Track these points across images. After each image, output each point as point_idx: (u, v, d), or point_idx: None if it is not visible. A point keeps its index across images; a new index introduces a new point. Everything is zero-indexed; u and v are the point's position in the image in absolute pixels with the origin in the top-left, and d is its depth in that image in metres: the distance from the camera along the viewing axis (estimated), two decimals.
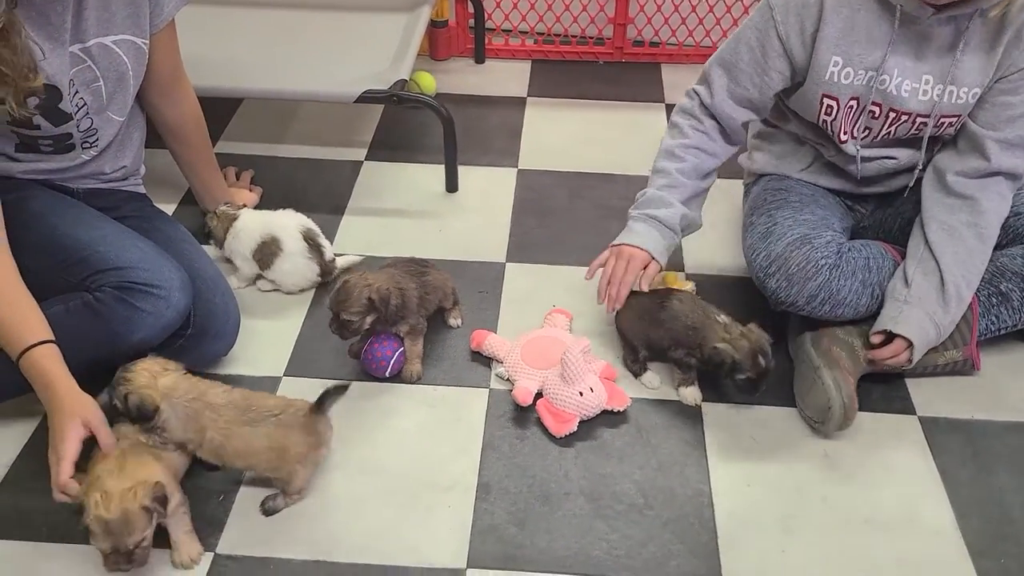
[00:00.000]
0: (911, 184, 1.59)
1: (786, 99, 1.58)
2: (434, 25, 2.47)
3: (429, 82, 2.34)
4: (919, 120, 1.48)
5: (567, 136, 2.25)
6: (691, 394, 1.54)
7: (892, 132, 1.52)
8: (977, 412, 1.53)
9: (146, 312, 1.38)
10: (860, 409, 1.48)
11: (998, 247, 1.51)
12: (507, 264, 1.83)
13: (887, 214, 1.67)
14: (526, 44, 2.60)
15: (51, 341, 1.28)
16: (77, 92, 1.47)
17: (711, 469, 1.43)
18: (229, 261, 1.75)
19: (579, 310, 1.70)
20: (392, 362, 1.53)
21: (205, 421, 1.27)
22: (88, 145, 1.55)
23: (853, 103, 1.49)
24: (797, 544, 1.32)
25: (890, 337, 1.46)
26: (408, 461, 1.42)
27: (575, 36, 2.61)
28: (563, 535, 1.32)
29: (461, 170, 2.05)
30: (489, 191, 2.05)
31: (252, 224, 1.73)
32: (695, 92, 1.60)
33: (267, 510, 1.33)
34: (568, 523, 1.34)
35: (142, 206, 1.69)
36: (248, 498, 1.36)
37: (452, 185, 2.04)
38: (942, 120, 1.48)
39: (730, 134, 1.59)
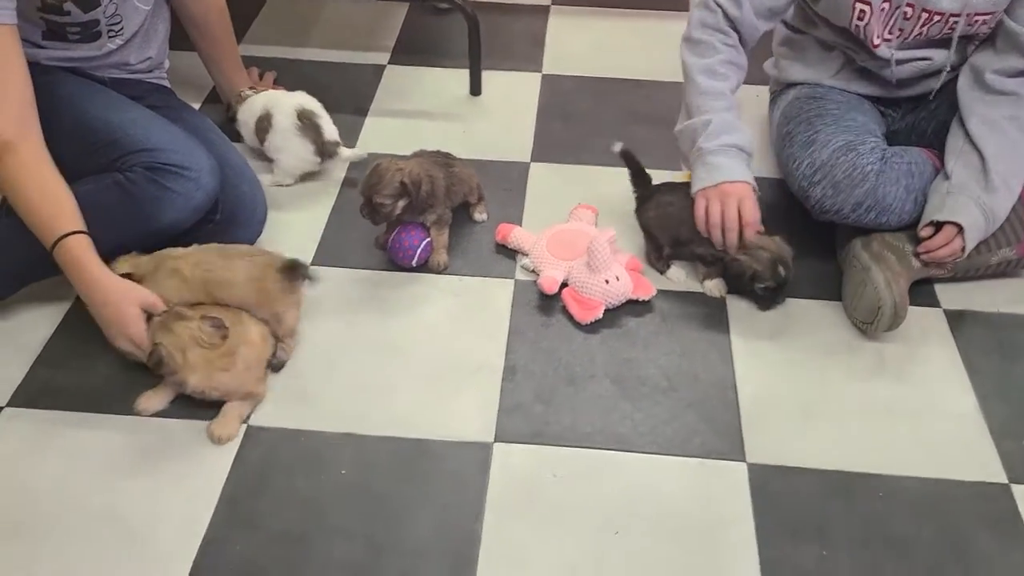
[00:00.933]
0: (941, 85, 1.57)
1: (814, 5, 1.55)
2: None
3: None
4: (952, 19, 1.45)
5: (591, 43, 2.23)
6: (716, 286, 1.54)
7: (924, 32, 1.49)
8: (1002, 305, 1.53)
9: (176, 193, 1.39)
10: None
11: None
12: (532, 164, 1.83)
13: (920, 117, 1.65)
14: None
15: (84, 232, 1.29)
16: None
17: (735, 357, 1.44)
18: (263, 158, 1.76)
19: (603, 207, 1.69)
20: (419, 251, 1.54)
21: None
22: (113, 33, 1.54)
23: (885, 5, 1.46)
24: (818, 427, 1.33)
25: (939, 228, 1.45)
26: (435, 346, 1.44)
27: None
28: (588, 413, 1.34)
29: (484, 75, 2.03)
30: (513, 95, 2.03)
31: (258, 101, 1.74)
32: (717, 4, 1.51)
33: (274, 366, 1.37)
34: (593, 403, 1.36)
35: (167, 98, 1.69)
36: (282, 375, 1.38)
37: (476, 88, 2.02)
38: (975, 18, 1.45)
39: (747, 46, 1.55)
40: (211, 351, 1.26)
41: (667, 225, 1.55)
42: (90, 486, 1.23)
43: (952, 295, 1.55)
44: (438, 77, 2.08)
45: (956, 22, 1.46)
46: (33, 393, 1.35)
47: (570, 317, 1.49)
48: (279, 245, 1.60)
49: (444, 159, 1.60)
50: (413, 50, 2.18)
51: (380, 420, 1.32)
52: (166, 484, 1.23)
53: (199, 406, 1.31)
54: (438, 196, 1.52)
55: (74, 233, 1.28)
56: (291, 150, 1.70)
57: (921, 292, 1.55)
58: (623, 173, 1.64)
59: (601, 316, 1.48)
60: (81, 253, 1.28)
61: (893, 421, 1.34)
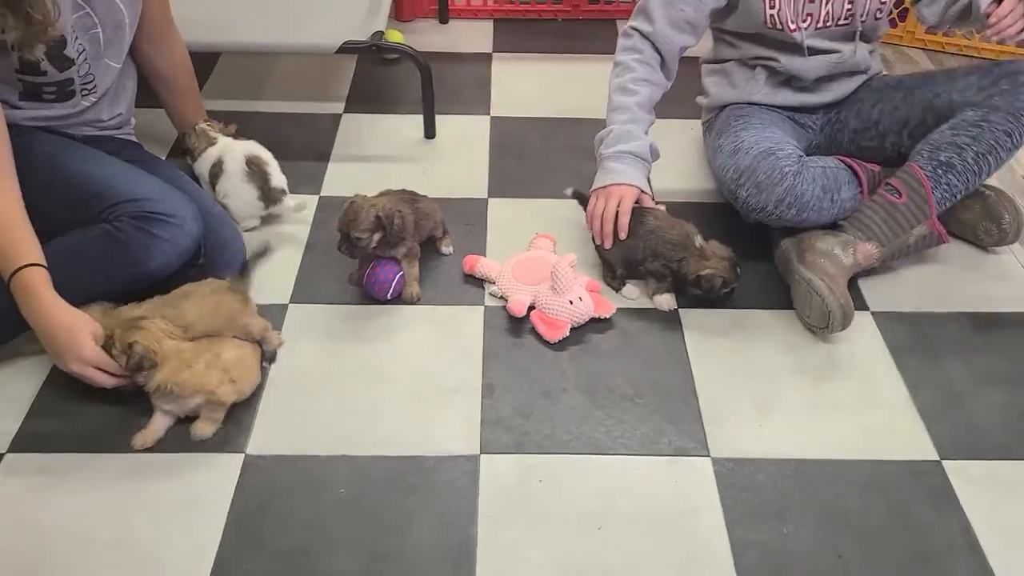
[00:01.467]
0: (854, 89, 1.81)
1: (724, 21, 1.75)
2: None
3: (398, 38, 2.44)
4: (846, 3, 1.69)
5: (533, 86, 2.38)
6: (666, 301, 1.68)
7: (830, 13, 1.70)
8: (924, 306, 1.70)
9: (163, 239, 1.46)
10: None
11: (925, 132, 1.71)
12: (489, 199, 1.95)
13: (835, 129, 1.86)
14: (487, 4, 2.71)
15: (42, 265, 1.35)
16: (77, 38, 1.54)
17: (692, 364, 1.57)
18: None
19: (560, 235, 1.82)
20: (393, 284, 1.64)
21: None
22: (87, 91, 1.62)
23: None
24: (771, 420, 1.47)
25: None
26: (416, 370, 1.54)
27: None
28: (564, 423, 1.45)
29: (437, 119, 2.16)
30: (465, 137, 2.17)
31: (213, 151, 1.83)
32: (632, 29, 1.73)
33: (268, 359, 1.50)
34: (568, 413, 1.47)
35: (139, 152, 1.76)
36: (272, 405, 1.46)
37: (430, 132, 2.15)
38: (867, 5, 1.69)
39: (667, 64, 1.74)
40: (181, 345, 1.36)
41: (617, 247, 1.68)
42: (97, 521, 1.28)
43: (878, 298, 1.71)
44: (393, 123, 2.20)
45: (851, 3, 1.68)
46: (31, 440, 1.39)
47: (539, 337, 1.60)
48: (258, 285, 1.68)
49: (410, 196, 1.72)
50: (366, 99, 2.30)
51: (371, 441, 1.41)
52: (172, 514, 1.29)
53: (197, 440, 1.38)
54: (408, 230, 1.63)
55: (31, 265, 1.35)
56: (238, 195, 1.79)
57: (851, 297, 1.71)
58: (574, 204, 1.78)
59: (568, 334, 1.60)
60: (37, 284, 1.34)
61: (837, 413, 1.49)
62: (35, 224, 1.48)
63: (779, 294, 1.71)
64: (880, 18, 1.76)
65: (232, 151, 1.81)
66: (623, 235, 1.65)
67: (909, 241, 1.70)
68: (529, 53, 2.54)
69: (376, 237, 1.57)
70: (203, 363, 1.37)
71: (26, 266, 1.34)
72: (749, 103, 1.82)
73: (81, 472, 1.34)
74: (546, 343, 1.59)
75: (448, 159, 2.08)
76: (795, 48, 1.75)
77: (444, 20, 2.68)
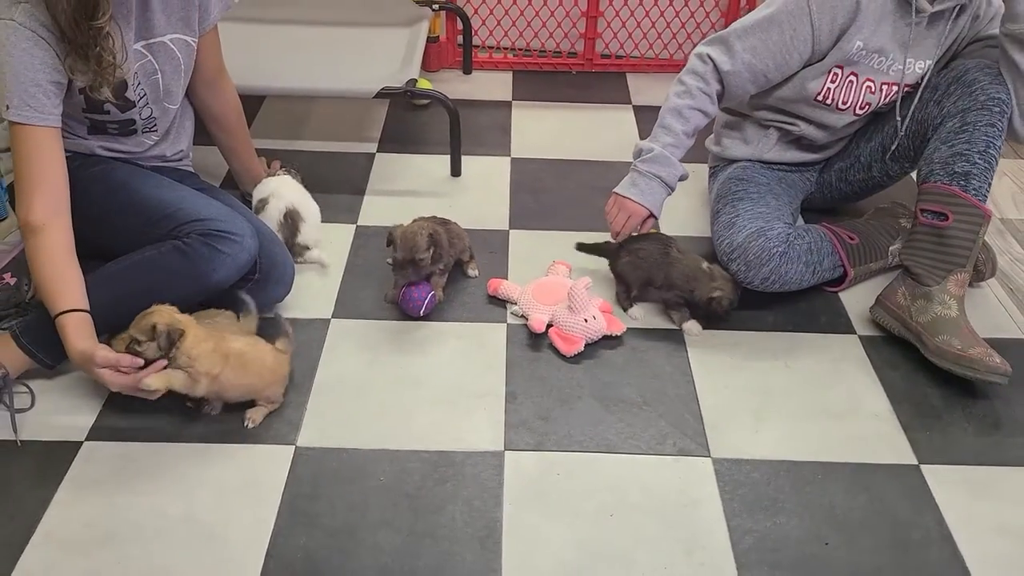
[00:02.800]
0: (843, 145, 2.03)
1: (769, 92, 1.91)
2: (427, 40, 2.80)
3: (427, 86, 2.65)
4: (907, 89, 1.87)
5: (550, 132, 2.59)
6: (694, 327, 1.84)
7: (890, 103, 1.88)
8: (903, 331, 1.87)
9: (226, 254, 1.64)
10: (809, 331, 1.86)
11: (905, 151, 1.91)
12: (511, 231, 2.14)
13: (832, 173, 2.07)
14: (508, 57, 2.94)
15: (83, 310, 1.51)
16: (140, 83, 1.74)
17: (695, 377, 1.74)
18: None
19: (574, 262, 2.01)
20: (426, 302, 1.82)
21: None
22: (148, 130, 1.82)
23: (853, 77, 1.83)
24: (767, 428, 1.64)
25: None
26: (445, 377, 1.71)
27: (550, 50, 2.96)
28: (580, 426, 1.62)
29: (462, 159, 2.36)
30: (488, 175, 2.37)
31: (270, 184, 2.02)
32: (709, 57, 1.82)
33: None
34: (583, 417, 1.64)
35: (197, 181, 1.96)
36: (319, 406, 1.63)
37: (456, 170, 2.35)
38: (906, 87, 1.87)
39: (724, 100, 1.87)
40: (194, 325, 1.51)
41: (640, 267, 1.86)
42: (167, 498, 1.44)
43: (864, 324, 1.89)
44: (422, 161, 2.41)
45: (909, 92, 1.87)
46: (107, 431, 1.56)
47: (556, 351, 1.78)
48: (303, 302, 1.86)
49: (441, 220, 1.91)
50: (397, 140, 2.51)
51: (407, 437, 1.58)
52: (233, 495, 1.46)
53: (253, 433, 1.55)
54: (444, 247, 1.82)
55: (70, 311, 1.50)
56: None
57: (839, 324, 1.89)
58: (587, 235, 1.99)
59: (583, 349, 1.77)
60: (71, 326, 1.49)
61: (825, 421, 1.65)
62: (112, 242, 1.68)
63: (774, 316, 1.88)
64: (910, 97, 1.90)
65: (279, 198, 1.98)
66: (615, 240, 1.89)
67: (890, 262, 1.89)
68: (546, 102, 2.75)
69: (430, 254, 1.77)
70: (211, 344, 1.51)
71: (65, 312, 1.50)
72: (757, 161, 2.01)
73: (152, 458, 1.51)
74: (563, 357, 1.77)
75: (473, 194, 2.28)
76: (826, 123, 1.92)
77: (468, 71, 2.91)
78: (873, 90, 1.85)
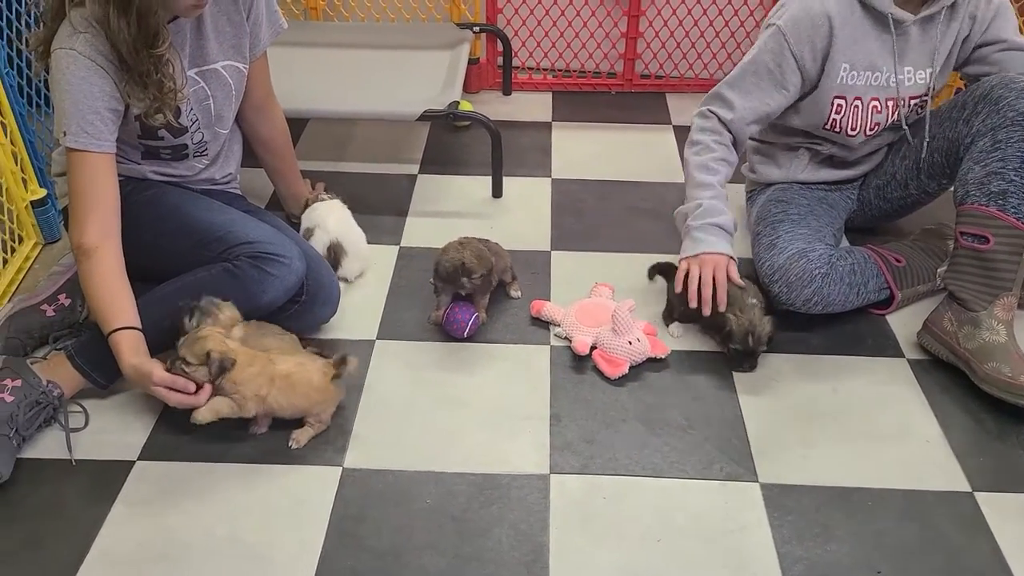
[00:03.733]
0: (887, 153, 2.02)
1: (789, 117, 1.93)
2: (468, 62, 2.83)
3: (468, 108, 2.68)
4: (912, 101, 1.88)
5: (590, 152, 2.59)
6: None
7: (898, 117, 1.88)
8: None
9: (275, 276, 1.67)
10: (856, 354, 1.83)
11: (939, 168, 1.89)
12: (552, 252, 2.15)
13: (862, 192, 2.05)
14: (547, 78, 2.96)
15: (135, 328, 1.54)
16: (192, 109, 1.77)
17: (741, 401, 1.72)
18: None
19: (617, 285, 2.01)
20: (470, 324, 1.83)
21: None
22: (199, 154, 1.85)
23: (858, 102, 1.85)
24: (815, 453, 1.61)
25: None
26: (491, 399, 1.71)
27: (590, 71, 2.98)
28: (625, 449, 1.61)
29: (504, 180, 2.37)
30: (529, 196, 2.38)
31: (319, 210, 2.05)
32: (711, 112, 1.88)
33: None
34: (628, 441, 1.63)
35: (245, 203, 1.99)
36: (364, 428, 1.64)
37: (498, 191, 2.36)
38: (924, 98, 1.87)
39: (738, 146, 1.91)
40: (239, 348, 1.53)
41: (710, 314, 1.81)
42: (215, 520, 1.46)
43: (912, 347, 1.86)
44: (463, 183, 2.43)
45: (919, 103, 1.88)
46: (158, 449, 1.59)
47: (600, 374, 1.77)
48: (347, 323, 1.88)
49: (484, 241, 1.92)
50: (439, 161, 2.53)
51: (452, 460, 1.58)
52: (280, 517, 1.47)
53: (300, 454, 1.57)
54: (495, 265, 1.85)
55: (123, 329, 1.53)
56: None
57: (887, 347, 1.86)
58: (630, 257, 2.02)
59: (627, 372, 1.76)
60: (123, 343, 1.52)
61: (875, 446, 1.63)
62: (164, 265, 1.71)
63: (819, 339, 1.86)
64: (923, 108, 1.90)
65: (324, 229, 2.01)
66: (721, 307, 1.76)
67: (937, 284, 1.87)
68: (585, 122, 2.76)
69: (485, 272, 1.80)
70: (257, 367, 1.54)
71: (117, 330, 1.53)
72: (792, 183, 2.01)
73: (202, 478, 1.53)
74: (607, 379, 1.76)
75: (514, 215, 2.29)
76: (847, 143, 1.93)
77: (508, 92, 2.93)
78: (879, 109, 1.86)
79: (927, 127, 1.87)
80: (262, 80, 1.95)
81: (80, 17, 1.53)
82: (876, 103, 1.85)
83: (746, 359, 1.77)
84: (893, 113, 1.88)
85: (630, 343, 1.77)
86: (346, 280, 2.01)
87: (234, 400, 1.53)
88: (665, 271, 1.95)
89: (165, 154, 1.81)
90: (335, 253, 1.99)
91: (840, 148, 1.96)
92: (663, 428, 1.66)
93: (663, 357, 1.80)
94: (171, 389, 1.49)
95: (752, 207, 2.07)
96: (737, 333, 1.75)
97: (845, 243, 2.11)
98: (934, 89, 1.87)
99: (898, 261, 1.91)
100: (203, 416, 1.52)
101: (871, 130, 1.89)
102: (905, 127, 1.90)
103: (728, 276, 1.78)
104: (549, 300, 1.96)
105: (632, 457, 1.59)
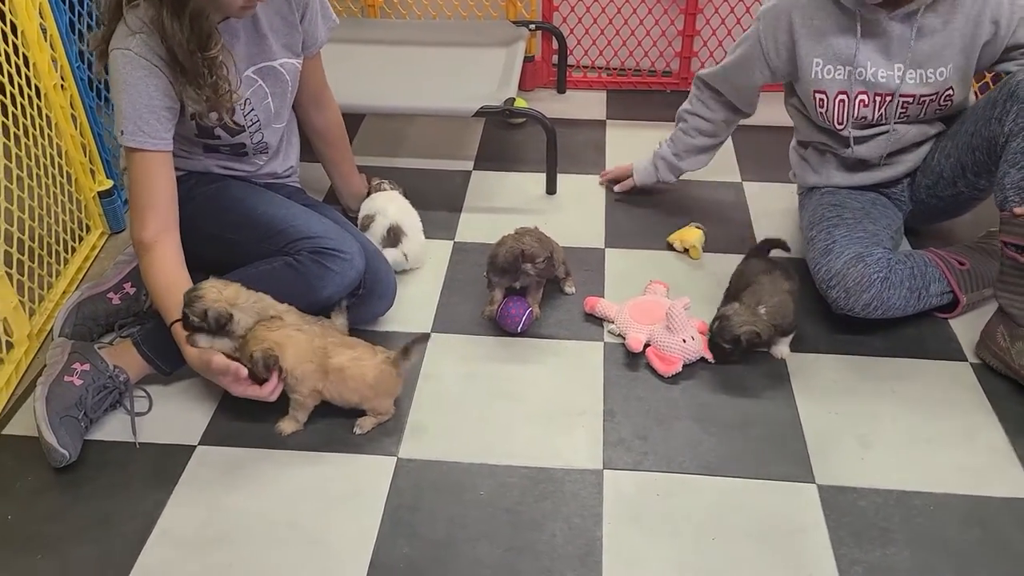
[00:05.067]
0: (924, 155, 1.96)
1: (793, 97, 1.98)
2: (523, 60, 2.83)
3: (523, 105, 2.68)
4: (901, 99, 1.83)
5: (644, 150, 2.55)
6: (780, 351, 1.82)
7: (884, 114, 1.86)
8: (1020, 359, 1.80)
9: (335, 271, 1.69)
10: (918, 357, 1.80)
11: (981, 166, 1.82)
12: (606, 249, 2.15)
13: (913, 191, 2.00)
14: (602, 76, 2.95)
15: None
16: (252, 109, 1.78)
17: (797, 401, 1.70)
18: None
19: (673, 282, 2.00)
20: (524, 319, 1.83)
21: (272, 311, 1.61)
22: (259, 152, 1.88)
23: (843, 96, 1.85)
24: (874, 455, 1.59)
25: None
26: (544, 394, 1.72)
27: (645, 69, 2.96)
28: (678, 447, 1.60)
29: (557, 177, 2.37)
30: (583, 193, 2.37)
31: (378, 200, 2.08)
32: (698, 75, 2.13)
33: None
34: (681, 438, 1.62)
35: (305, 197, 2.02)
36: (419, 419, 1.66)
37: (552, 188, 2.36)
38: (923, 99, 1.84)
39: (723, 103, 2.09)
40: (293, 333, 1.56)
41: (739, 277, 1.85)
42: (274, 505, 1.49)
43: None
44: (517, 179, 2.43)
45: (907, 103, 1.83)
46: (218, 434, 1.63)
47: (653, 371, 1.77)
48: (403, 316, 1.90)
49: (538, 232, 1.92)
50: (493, 158, 2.54)
51: (506, 453, 1.59)
52: (337, 503, 1.49)
53: (356, 442, 1.59)
54: (555, 257, 1.88)
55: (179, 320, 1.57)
56: None
57: (950, 351, 1.82)
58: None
59: (680, 370, 1.75)
60: (180, 335, 1.57)
61: (936, 450, 1.60)
62: (227, 257, 1.75)
63: (880, 341, 1.83)
64: (940, 108, 1.87)
65: (384, 214, 2.04)
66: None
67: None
68: (640, 121, 2.75)
69: (546, 259, 1.83)
70: (313, 364, 1.56)
71: (177, 320, 1.58)
72: (836, 187, 1.98)
73: (260, 463, 1.56)
74: (660, 377, 1.75)
75: (568, 212, 2.29)
76: (844, 141, 1.92)
77: (562, 90, 2.93)
78: (866, 103, 1.86)
79: (961, 123, 1.86)
80: (317, 72, 1.97)
81: (135, 18, 1.56)
82: (864, 97, 1.85)
83: (719, 354, 1.76)
84: (882, 108, 1.86)
85: (684, 341, 1.76)
86: (405, 260, 2.01)
87: (296, 401, 1.57)
88: (778, 245, 1.95)
89: (224, 150, 1.84)
90: (395, 235, 2.01)
91: (847, 150, 1.94)
92: (717, 427, 1.64)
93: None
94: (236, 378, 1.52)
95: (803, 211, 2.04)
96: (717, 328, 1.74)
97: (906, 246, 2.07)
98: (949, 92, 1.83)
99: (961, 264, 1.87)
100: (285, 428, 1.60)
101: (856, 124, 1.88)
102: (893, 126, 1.87)
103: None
104: (603, 297, 1.96)
105: (685, 455, 1.59)
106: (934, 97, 1.85)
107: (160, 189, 1.63)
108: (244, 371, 1.52)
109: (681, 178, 2.38)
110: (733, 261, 1.99)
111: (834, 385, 1.74)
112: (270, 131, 1.86)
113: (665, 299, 1.91)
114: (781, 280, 1.79)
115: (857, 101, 1.85)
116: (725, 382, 1.75)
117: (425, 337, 1.63)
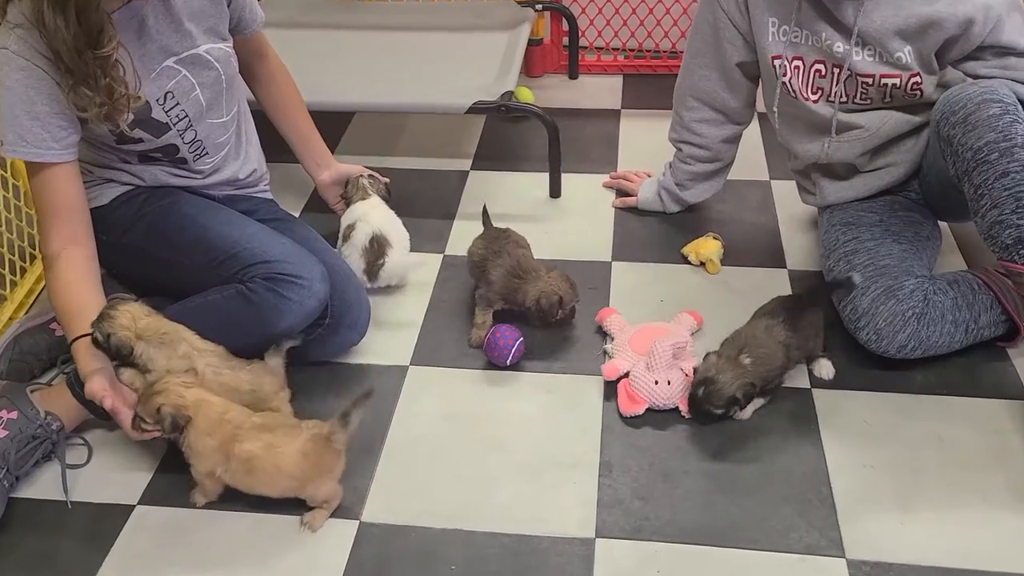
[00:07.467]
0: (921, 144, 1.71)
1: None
2: (530, 43, 2.58)
3: (527, 96, 2.45)
4: (861, 80, 1.61)
5: (661, 145, 2.30)
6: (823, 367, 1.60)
7: (843, 91, 1.65)
8: None
9: (292, 301, 1.49)
10: (968, 395, 1.56)
11: None
12: (613, 263, 1.91)
13: (934, 197, 1.74)
14: (618, 59, 2.70)
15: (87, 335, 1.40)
16: (177, 104, 1.54)
17: (826, 450, 1.47)
18: None
19: (687, 302, 1.77)
20: (514, 350, 1.62)
21: (186, 350, 1.41)
22: (199, 154, 1.64)
23: (799, 62, 1.67)
24: (915, 520, 1.35)
25: None
26: (533, 441, 1.51)
27: (665, 51, 2.70)
28: (686, 509, 1.38)
29: (563, 177, 2.14)
30: (591, 196, 2.14)
31: (359, 209, 1.84)
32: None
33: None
34: (690, 498, 1.40)
35: (275, 210, 1.82)
36: (389, 471, 1.46)
37: (556, 191, 2.13)
38: (884, 81, 1.60)
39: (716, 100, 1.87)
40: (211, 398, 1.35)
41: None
42: None
43: None
44: (518, 180, 2.20)
45: (867, 83, 1.61)
46: (160, 492, 1.44)
47: (649, 410, 1.54)
48: (379, 346, 1.70)
49: (503, 231, 1.78)
50: (493, 156, 2.31)
51: (484, 515, 1.38)
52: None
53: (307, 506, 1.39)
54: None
55: (85, 336, 1.40)
56: (352, 262, 1.78)
57: (1006, 387, 1.57)
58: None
59: (641, 413, 1.53)
60: (81, 354, 1.41)
61: (991, 514, 1.36)
62: (177, 281, 1.57)
63: (923, 375, 1.59)
64: (908, 95, 1.63)
65: (367, 221, 1.81)
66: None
67: None
68: (658, 110, 2.48)
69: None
70: (216, 440, 1.33)
71: (78, 338, 1.41)
72: (845, 202, 1.76)
73: (204, 528, 1.38)
74: (669, 420, 1.53)
75: (572, 219, 2.06)
76: (821, 127, 1.70)
77: (574, 76, 2.68)
78: (823, 73, 1.67)
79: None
80: (247, 45, 1.74)
81: (16, 11, 1.35)
82: (820, 67, 1.66)
83: (700, 416, 1.51)
84: (838, 82, 1.64)
85: (656, 383, 1.53)
86: (389, 274, 1.80)
87: (192, 473, 1.38)
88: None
89: (156, 155, 1.61)
90: (379, 244, 1.79)
91: (832, 152, 1.72)
92: (732, 484, 1.42)
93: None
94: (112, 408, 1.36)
95: (820, 229, 1.81)
96: (700, 384, 1.48)
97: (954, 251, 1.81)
98: (916, 80, 1.59)
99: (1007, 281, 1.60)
100: (197, 500, 1.41)
101: (815, 95, 1.68)
102: (839, 100, 1.66)
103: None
104: (616, 311, 1.74)
105: (694, 520, 1.36)
106: (898, 83, 1.60)
107: (60, 202, 1.46)
108: (128, 423, 1.35)
109: None
110: (756, 275, 1.76)
111: (869, 430, 1.50)
112: (205, 127, 1.62)
113: (675, 329, 1.68)
114: (780, 330, 1.52)
115: (813, 70, 1.66)
116: (744, 427, 1.52)
117: (367, 395, 1.33)
